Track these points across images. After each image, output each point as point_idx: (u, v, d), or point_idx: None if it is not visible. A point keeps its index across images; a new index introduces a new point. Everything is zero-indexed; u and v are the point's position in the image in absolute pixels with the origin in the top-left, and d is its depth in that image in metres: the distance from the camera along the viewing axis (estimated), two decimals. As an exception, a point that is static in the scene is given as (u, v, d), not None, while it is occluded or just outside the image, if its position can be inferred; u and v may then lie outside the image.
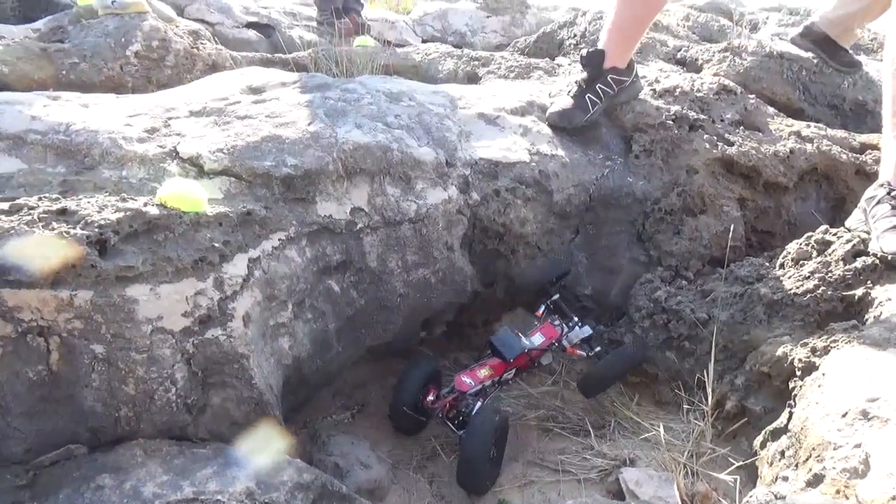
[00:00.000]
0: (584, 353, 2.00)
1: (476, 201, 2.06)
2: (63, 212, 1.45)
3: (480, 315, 2.29)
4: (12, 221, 1.39)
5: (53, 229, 1.39)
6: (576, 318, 2.08)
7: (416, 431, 1.91)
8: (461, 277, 2.07)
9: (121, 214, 1.47)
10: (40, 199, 1.50)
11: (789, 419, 1.50)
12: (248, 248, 1.61)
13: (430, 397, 1.85)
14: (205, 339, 1.46)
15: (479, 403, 1.81)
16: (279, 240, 1.70)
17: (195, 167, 1.75)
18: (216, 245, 1.54)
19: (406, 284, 1.95)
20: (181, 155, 1.76)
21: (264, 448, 1.45)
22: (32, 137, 1.68)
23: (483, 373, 1.88)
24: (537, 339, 2.00)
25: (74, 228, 1.41)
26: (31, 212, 1.43)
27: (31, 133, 1.69)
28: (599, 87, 2.34)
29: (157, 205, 1.53)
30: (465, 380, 1.85)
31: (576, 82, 2.40)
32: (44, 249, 1.35)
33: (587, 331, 2.05)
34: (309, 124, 1.93)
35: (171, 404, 1.43)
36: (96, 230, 1.42)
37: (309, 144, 1.85)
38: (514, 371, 1.93)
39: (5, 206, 1.45)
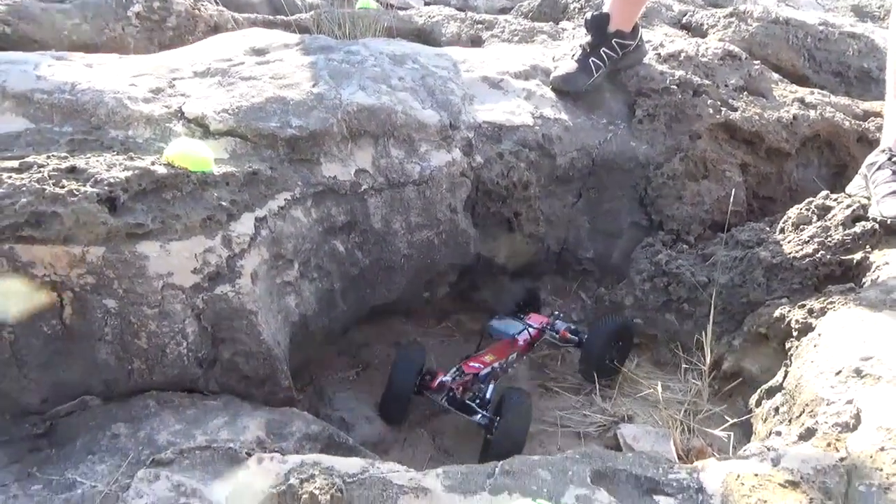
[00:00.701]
0: (575, 339, 1.99)
1: (479, 164, 2.07)
2: (72, 170, 1.47)
3: (483, 277, 2.32)
4: (23, 179, 1.41)
5: (63, 187, 1.41)
6: (555, 313, 2.12)
7: (402, 421, 1.82)
8: (464, 239, 2.09)
9: (129, 173, 1.48)
10: (49, 157, 1.52)
11: (784, 377, 1.54)
12: (254, 208, 1.63)
13: (444, 378, 1.78)
14: (214, 295, 1.49)
15: (491, 385, 1.79)
16: (285, 200, 1.72)
17: (200, 127, 1.76)
18: (223, 204, 1.56)
19: (410, 245, 1.97)
20: (186, 115, 1.77)
21: None
22: (38, 97, 1.69)
23: (488, 357, 1.86)
24: (533, 322, 2.03)
25: (84, 186, 1.43)
26: (41, 170, 1.45)
27: (37, 92, 1.69)
28: (603, 52, 2.33)
29: (164, 164, 1.55)
30: (474, 364, 1.82)
31: (580, 46, 2.39)
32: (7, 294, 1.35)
33: (566, 323, 2.07)
34: (313, 86, 1.93)
35: (183, 358, 1.47)
36: (106, 188, 1.44)
37: (313, 106, 1.86)
38: (516, 354, 1.93)
39: (15, 164, 1.47)
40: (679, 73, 2.44)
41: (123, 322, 1.43)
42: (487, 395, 1.75)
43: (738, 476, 1.05)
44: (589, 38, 2.36)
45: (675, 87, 2.38)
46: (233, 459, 1.27)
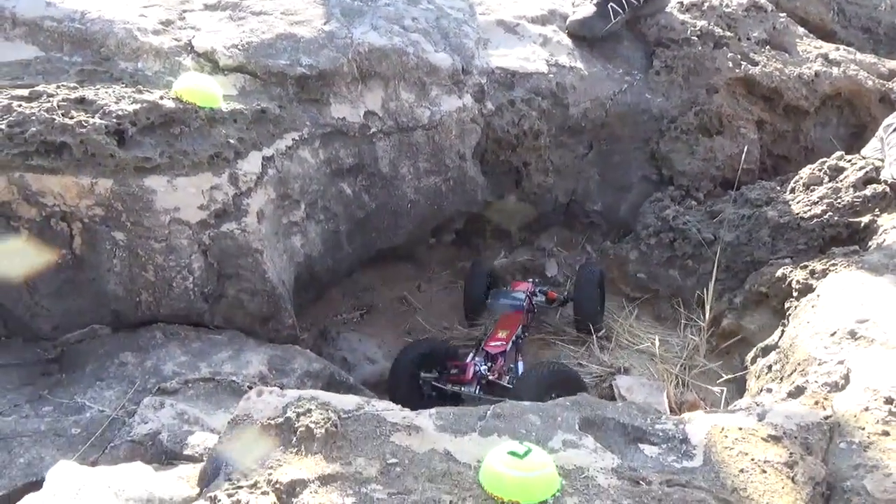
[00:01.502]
0: (560, 296, 2.03)
1: (490, 111, 2.05)
2: (81, 100, 1.47)
3: (490, 224, 2.32)
4: (33, 108, 1.42)
5: (73, 117, 1.42)
6: (533, 279, 2.14)
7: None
8: (472, 187, 2.09)
9: (138, 106, 1.49)
10: (59, 87, 1.52)
11: (781, 336, 1.56)
12: (261, 147, 1.63)
13: (478, 368, 1.71)
14: (220, 232, 1.51)
15: (521, 362, 1.79)
16: (293, 140, 1.72)
17: (210, 62, 1.74)
18: (231, 141, 1.57)
19: (417, 191, 1.98)
20: (196, 49, 1.75)
21: None
22: (48, 24, 1.67)
23: (503, 334, 1.83)
24: (521, 292, 2.02)
25: (93, 117, 1.44)
26: (51, 99, 1.46)
27: (46, 20, 1.68)
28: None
29: (172, 98, 1.55)
30: (495, 343, 1.79)
31: None
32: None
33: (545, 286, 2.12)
34: (325, 23, 1.90)
35: (189, 292, 1.50)
36: (114, 120, 1.44)
37: (324, 44, 1.84)
38: (521, 327, 1.90)
39: (25, 92, 1.47)
40: (701, 23, 2.38)
41: (131, 254, 1.46)
42: (520, 372, 1.73)
43: (723, 429, 1.07)
44: None
45: (695, 38, 2.32)
46: (235, 392, 1.32)
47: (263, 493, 0.92)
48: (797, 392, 1.24)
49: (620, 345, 1.95)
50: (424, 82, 1.95)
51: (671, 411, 1.67)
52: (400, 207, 1.97)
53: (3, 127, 1.37)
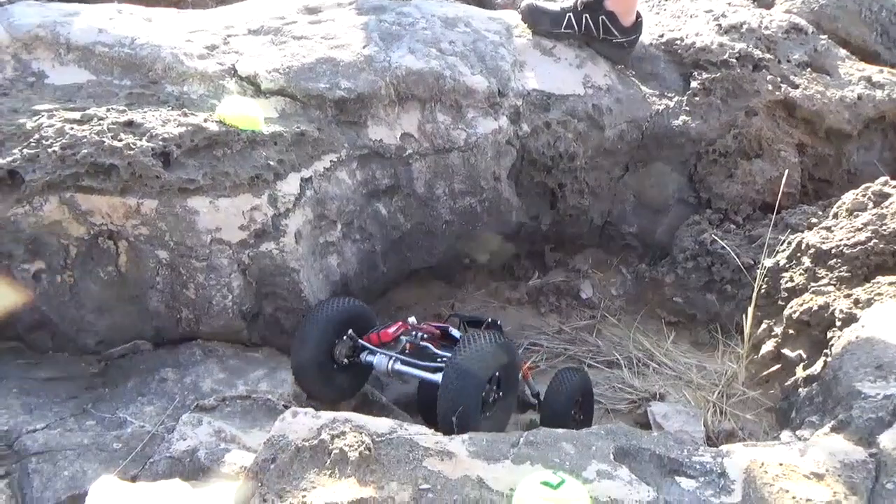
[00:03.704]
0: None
1: (526, 133, 2.06)
2: (129, 124, 1.53)
3: (524, 245, 2.32)
4: (84, 131, 1.47)
5: (121, 140, 1.47)
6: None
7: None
8: (507, 208, 2.09)
9: (183, 129, 1.53)
10: (108, 110, 1.57)
11: (823, 367, 1.52)
12: (300, 168, 1.67)
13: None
14: (259, 251, 1.54)
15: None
16: (331, 161, 1.75)
17: (252, 85, 1.79)
18: (271, 163, 1.60)
19: (452, 212, 1.99)
20: (239, 73, 1.80)
21: None
22: (100, 50, 1.74)
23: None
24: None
25: (140, 140, 1.49)
26: (101, 122, 1.51)
27: (98, 45, 1.75)
28: (586, 18, 2.21)
29: (216, 121, 1.59)
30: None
31: None
32: None
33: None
34: (363, 47, 1.94)
35: (228, 310, 1.53)
36: (160, 143, 1.49)
37: (363, 68, 1.87)
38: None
39: (77, 115, 1.53)
40: (740, 45, 2.35)
41: (174, 273, 1.50)
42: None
43: (763, 464, 1.05)
44: None
45: (734, 60, 2.29)
46: (270, 410, 1.34)
47: (298, 515, 0.94)
48: (841, 427, 1.21)
49: (656, 370, 1.92)
50: (461, 104, 1.97)
51: (708, 440, 1.64)
52: (435, 228, 1.98)
53: (56, 149, 1.43)
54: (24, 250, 1.45)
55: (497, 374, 1.37)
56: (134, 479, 1.18)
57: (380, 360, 1.45)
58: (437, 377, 1.35)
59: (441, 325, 1.61)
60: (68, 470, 1.19)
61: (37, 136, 1.46)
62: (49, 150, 1.43)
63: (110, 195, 1.44)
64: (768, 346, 1.78)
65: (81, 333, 1.52)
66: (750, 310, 1.81)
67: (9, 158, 1.43)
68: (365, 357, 1.48)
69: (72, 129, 1.48)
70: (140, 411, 1.34)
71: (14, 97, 1.60)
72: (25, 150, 1.44)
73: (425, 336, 1.54)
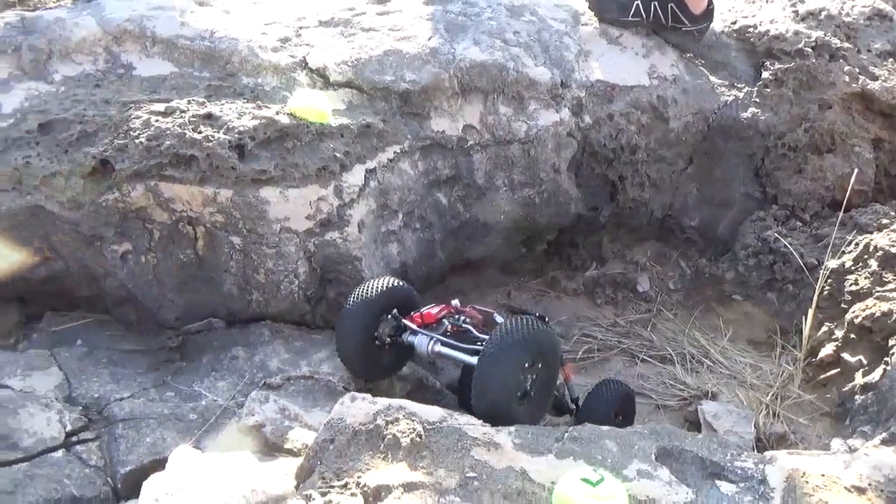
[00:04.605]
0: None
1: (588, 125, 2.06)
2: (208, 116, 1.63)
3: (583, 236, 2.34)
4: (167, 123, 1.59)
5: (201, 132, 1.57)
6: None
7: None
8: (566, 199, 2.11)
9: (257, 122, 1.62)
10: (189, 102, 1.68)
11: (882, 376, 1.49)
12: (365, 159, 1.74)
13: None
14: (324, 240, 1.63)
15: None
16: (394, 152, 1.81)
17: (322, 78, 1.86)
18: (337, 155, 1.68)
19: (511, 202, 2.03)
20: (310, 65, 1.87)
21: None
22: (182, 42, 1.84)
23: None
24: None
25: (218, 132, 1.58)
26: (183, 115, 1.62)
27: (181, 38, 1.85)
28: (655, 5, 2.16)
29: (287, 114, 1.68)
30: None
31: None
32: None
33: None
34: (429, 39, 1.98)
35: (294, 294, 1.63)
36: (236, 135, 1.59)
37: (427, 60, 1.91)
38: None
39: (161, 107, 1.64)
40: (817, 33, 2.26)
41: (246, 258, 1.60)
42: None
43: (805, 473, 1.06)
44: None
45: (809, 49, 2.21)
46: (331, 391, 1.43)
47: (352, 494, 1.02)
48: (891, 440, 1.20)
49: (710, 368, 1.92)
50: (523, 96, 1.99)
51: (759, 442, 1.64)
52: (493, 218, 2.02)
53: (143, 140, 1.54)
54: (113, 232, 1.58)
55: (536, 361, 1.33)
56: (207, 449, 1.30)
57: (420, 341, 1.44)
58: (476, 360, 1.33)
59: (485, 310, 1.60)
60: (150, 437, 1.32)
61: (125, 127, 1.58)
62: (136, 141, 1.55)
63: (190, 184, 1.55)
64: (827, 350, 1.75)
65: (162, 310, 1.65)
66: (810, 311, 1.78)
67: (101, 148, 1.56)
68: (407, 337, 1.48)
69: (157, 121, 1.59)
70: (213, 386, 1.45)
71: (105, 88, 1.73)
72: (116, 141, 1.56)
73: (468, 320, 1.54)
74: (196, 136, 1.56)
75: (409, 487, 1.03)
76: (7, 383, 1.37)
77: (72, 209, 1.55)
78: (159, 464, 1.22)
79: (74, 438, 1.31)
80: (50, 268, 1.61)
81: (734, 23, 2.35)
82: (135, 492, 1.16)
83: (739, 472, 1.10)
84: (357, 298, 1.46)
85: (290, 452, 1.27)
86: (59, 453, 1.28)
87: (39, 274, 1.61)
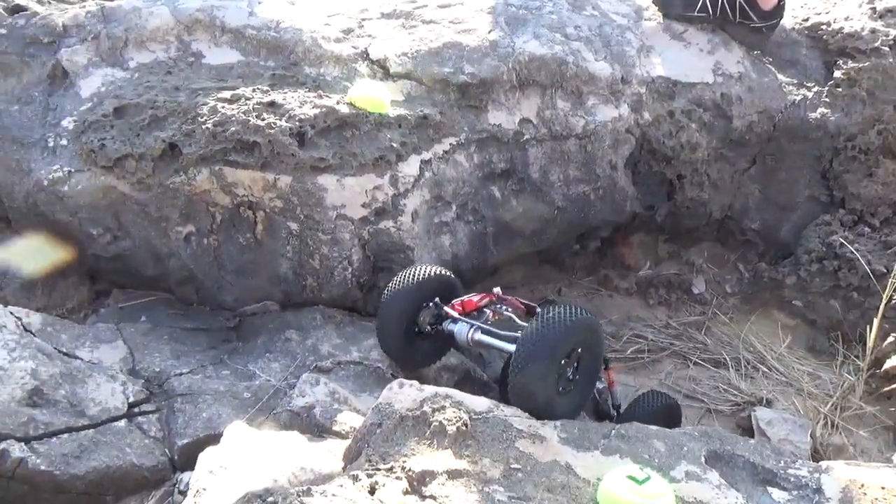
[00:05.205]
0: None
1: (647, 121, 2.03)
2: (272, 104, 1.67)
3: (637, 235, 2.30)
4: (233, 110, 1.64)
5: (264, 119, 1.62)
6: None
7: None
8: (622, 197, 2.08)
9: (317, 111, 1.66)
10: (254, 90, 1.73)
11: (951, 390, 1.42)
12: (421, 151, 1.75)
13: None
14: (378, 228, 1.65)
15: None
16: (450, 144, 1.82)
17: (382, 69, 1.89)
18: (394, 145, 1.70)
19: (565, 198, 2.01)
20: (371, 57, 1.90)
21: None
22: (249, 32, 1.90)
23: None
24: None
25: (280, 120, 1.63)
26: (247, 102, 1.67)
27: (248, 28, 1.90)
28: (724, 2, 2.09)
29: (347, 104, 1.71)
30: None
31: None
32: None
33: None
34: (489, 32, 1.98)
35: (347, 281, 1.66)
36: (297, 123, 1.62)
37: (487, 53, 1.91)
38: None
39: (228, 94, 1.70)
40: (895, 31, 2.16)
41: (302, 243, 1.64)
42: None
43: (863, 485, 1.02)
44: None
45: (886, 48, 2.11)
46: (380, 378, 1.45)
47: (397, 478, 1.03)
48: (959, 457, 1.15)
49: (765, 374, 1.87)
50: (581, 91, 1.97)
51: (815, 453, 1.59)
52: (547, 213, 2.01)
53: (209, 126, 1.60)
54: (178, 214, 1.65)
55: (578, 349, 1.25)
56: (260, 426, 1.34)
57: (460, 329, 1.40)
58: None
59: (528, 302, 1.56)
60: (206, 412, 1.37)
61: (193, 113, 1.64)
62: (203, 126, 1.61)
63: (252, 170, 1.59)
64: (893, 361, 1.68)
65: (221, 290, 1.71)
66: (876, 321, 1.72)
67: (170, 132, 1.63)
68: (447, 325, 1.44)
69: (223, 107, 1.64)
70: (267, 366, 1.50)
71: (176, 75, 1.80)
72: (184, 126, 1.62)
73: (510, 308, 1.51)
74: (259, 122, 1.61)
75: (454, 475, 1.04)
76: (78, 354, 1.45)
77: (141, 190, 1.62)
78: (214, 438, 1.27)
79: (136, 409, 1.37)
80: (118, 246, 1.69)
81: (806, 19, 2.27)
82: (190, 463, 1.21)
83: (793, 479, 1.07)
84: (396, 286, 1.44)
85: (339, 434, 1.30)
86: (122, 423, 1.34)
87: (109, 252, 1.69)
